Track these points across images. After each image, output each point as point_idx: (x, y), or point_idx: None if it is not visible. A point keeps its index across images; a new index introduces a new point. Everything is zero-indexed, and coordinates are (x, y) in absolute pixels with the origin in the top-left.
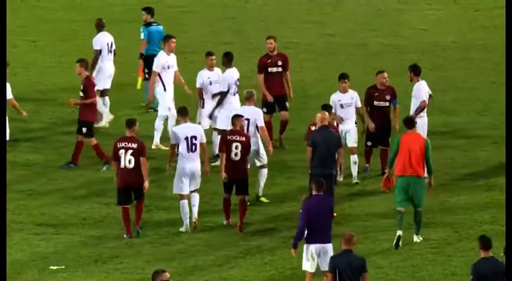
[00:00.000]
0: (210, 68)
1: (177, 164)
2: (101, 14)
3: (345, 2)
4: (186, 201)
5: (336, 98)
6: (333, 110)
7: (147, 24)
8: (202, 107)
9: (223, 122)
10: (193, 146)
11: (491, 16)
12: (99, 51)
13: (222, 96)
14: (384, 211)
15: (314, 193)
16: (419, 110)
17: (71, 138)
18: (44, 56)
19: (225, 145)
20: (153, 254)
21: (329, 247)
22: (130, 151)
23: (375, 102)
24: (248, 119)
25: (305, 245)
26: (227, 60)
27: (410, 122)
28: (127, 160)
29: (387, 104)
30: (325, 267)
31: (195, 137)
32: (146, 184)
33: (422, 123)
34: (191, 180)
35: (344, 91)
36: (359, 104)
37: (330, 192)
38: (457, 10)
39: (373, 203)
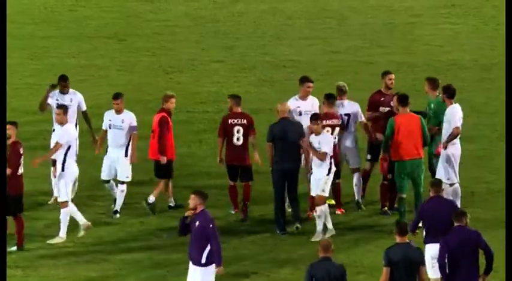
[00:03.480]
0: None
1: (67, 169)
2: (76, 28)
3: (351, 15)
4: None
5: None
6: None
7: None
8: None
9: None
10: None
11: None
12: None
13: None
14: None
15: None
16: (452, 137)
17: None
18: (11, 76)
19: (224, 130)
20: None
21: None
22: None
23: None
24: (348, 115)
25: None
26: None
27: (406, 99)
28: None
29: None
30: None
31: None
32: None
33: (454, 151)
34: (74, 184)
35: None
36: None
37: (295, 188)
38: (477, 24)
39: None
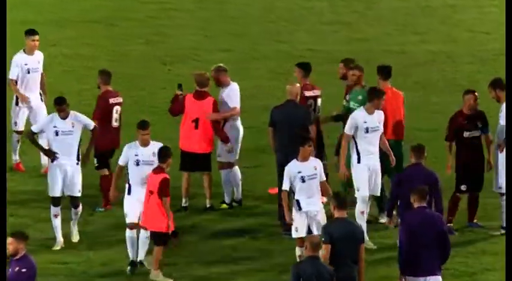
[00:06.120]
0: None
1: None
2: (58, 12)
3: None
4: None
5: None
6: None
7: None
8: None
9: None
10: None
11: None
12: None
13: None
14: None
15: None
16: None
17: None
18: None
19: (104, 111)
20: None
21: None
22: None
23: (465, 134)
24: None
25: None
26: None
27: (387, 71)
28: None
29: (479, 133)
30: None
31: None
32: None
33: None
34: None
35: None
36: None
37: None
38: None
39: None
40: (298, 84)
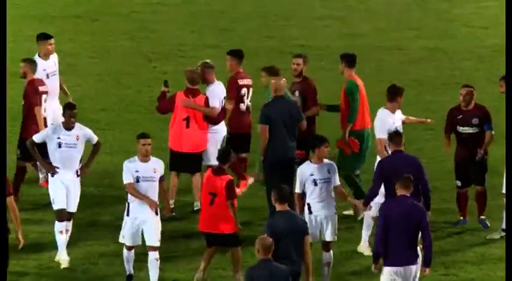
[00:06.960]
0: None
1: None
2: (39, 6)
3: None
4: None
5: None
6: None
7: None
8: None
9: None
10: None
11: None
12: None
13: None
14: None
15: None
16: None
17: None
18: None
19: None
20: None
21: None
22: None
23: (458, 128)
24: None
25: None
26: None
27: (354, 60)
28: None
29: (476, 130)
30: None
31: None
32: None
33: None
34: None
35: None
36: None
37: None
38: None
39: None
40: (284, 79)
